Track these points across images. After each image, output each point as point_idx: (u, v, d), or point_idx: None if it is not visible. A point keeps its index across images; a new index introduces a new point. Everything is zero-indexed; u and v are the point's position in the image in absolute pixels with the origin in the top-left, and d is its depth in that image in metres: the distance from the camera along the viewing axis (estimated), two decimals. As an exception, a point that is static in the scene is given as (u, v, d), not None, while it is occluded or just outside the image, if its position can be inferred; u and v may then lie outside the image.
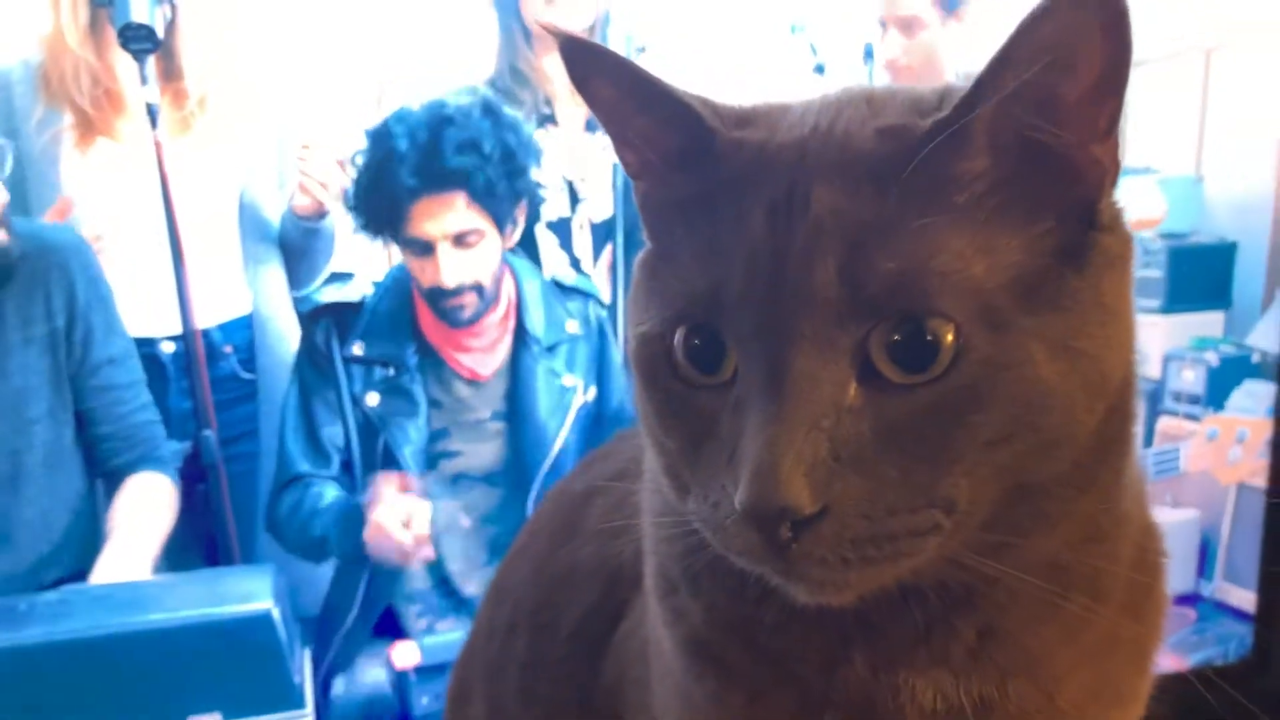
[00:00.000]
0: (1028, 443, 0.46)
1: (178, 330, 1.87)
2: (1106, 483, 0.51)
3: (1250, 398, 2.47)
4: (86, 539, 1.79)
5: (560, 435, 1.88)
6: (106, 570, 1.71)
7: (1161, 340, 2.71)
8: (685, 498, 0.50)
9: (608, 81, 0.52)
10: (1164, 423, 2.58)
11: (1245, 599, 2.45)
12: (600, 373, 1.95)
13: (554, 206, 2.05)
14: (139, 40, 1.74)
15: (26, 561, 1.76)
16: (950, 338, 0.45)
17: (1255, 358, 2.62)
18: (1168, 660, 2.29)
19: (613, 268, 2.12)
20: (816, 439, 0.44)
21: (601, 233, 2.17)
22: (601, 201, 2.13)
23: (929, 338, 0.45)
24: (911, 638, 0.51)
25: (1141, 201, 2.14)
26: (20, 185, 1.91)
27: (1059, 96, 0.47)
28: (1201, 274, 2.79)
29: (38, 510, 1.78)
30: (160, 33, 1.76)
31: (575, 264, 2.11)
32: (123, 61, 1.83)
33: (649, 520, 0.59)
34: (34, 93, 1.90)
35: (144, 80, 1.75)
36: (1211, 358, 2.63)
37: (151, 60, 1.76)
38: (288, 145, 2.03)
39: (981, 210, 0.47)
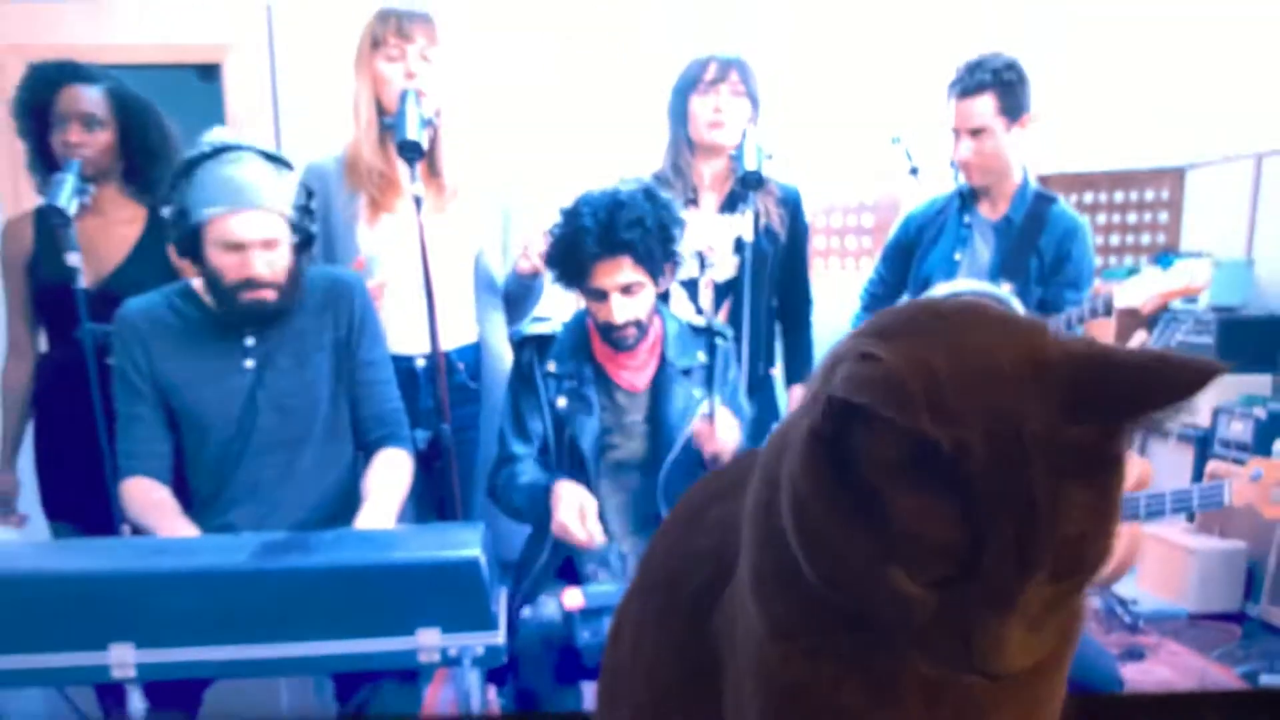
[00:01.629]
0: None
1: (427, 350, 2.21)
2: None
3: (1297, 448, 2.50)
4: (348, 494, 2.02)
5: (683, 434, 2.13)
6: (365, 520, 1.91)
7: (1212, 395, 2.68)
8: (843, 592, 0.59)
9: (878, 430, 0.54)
10: (1212, 465, 2.62)
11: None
12: (714, 385, 2.17)
13: (684, 270, 2.30)
14: (410, 151, 2.09)
15: (306, 505, 2.01)
16: None
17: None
18: (1216, 670, 2.55)
19: (733, 315, 2.37)
20: (1025, 630, 0.56)
21: (721, 290, 2.43)
22: (722, 267, 2.41)
23: None
24: None
25: (1186, 271, 2.15)
26: (330, 244, 2.29)
27: None
28: (1251, 342, 2.85)
29: (316, 468, 2.03)
30: (425, 146, 2.10)
31: (699, 314, 2.40)
32: (400, 164, 2.17)
33: (752, 529, 0.67)
34: (341, 181, 2.26)
35: (413, 179, 2.10)
36: (1260, 412, 2.70)
37: (419, 165, 2.10)
38: (511, 225, 2.34)
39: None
